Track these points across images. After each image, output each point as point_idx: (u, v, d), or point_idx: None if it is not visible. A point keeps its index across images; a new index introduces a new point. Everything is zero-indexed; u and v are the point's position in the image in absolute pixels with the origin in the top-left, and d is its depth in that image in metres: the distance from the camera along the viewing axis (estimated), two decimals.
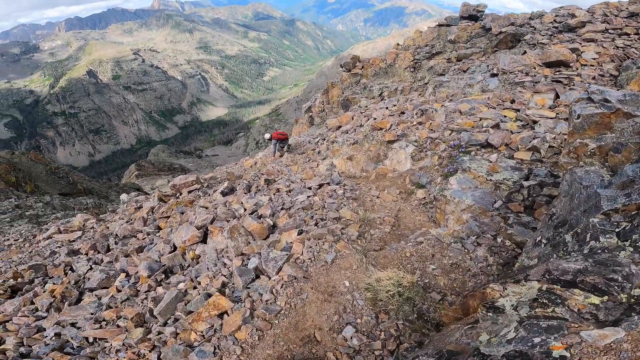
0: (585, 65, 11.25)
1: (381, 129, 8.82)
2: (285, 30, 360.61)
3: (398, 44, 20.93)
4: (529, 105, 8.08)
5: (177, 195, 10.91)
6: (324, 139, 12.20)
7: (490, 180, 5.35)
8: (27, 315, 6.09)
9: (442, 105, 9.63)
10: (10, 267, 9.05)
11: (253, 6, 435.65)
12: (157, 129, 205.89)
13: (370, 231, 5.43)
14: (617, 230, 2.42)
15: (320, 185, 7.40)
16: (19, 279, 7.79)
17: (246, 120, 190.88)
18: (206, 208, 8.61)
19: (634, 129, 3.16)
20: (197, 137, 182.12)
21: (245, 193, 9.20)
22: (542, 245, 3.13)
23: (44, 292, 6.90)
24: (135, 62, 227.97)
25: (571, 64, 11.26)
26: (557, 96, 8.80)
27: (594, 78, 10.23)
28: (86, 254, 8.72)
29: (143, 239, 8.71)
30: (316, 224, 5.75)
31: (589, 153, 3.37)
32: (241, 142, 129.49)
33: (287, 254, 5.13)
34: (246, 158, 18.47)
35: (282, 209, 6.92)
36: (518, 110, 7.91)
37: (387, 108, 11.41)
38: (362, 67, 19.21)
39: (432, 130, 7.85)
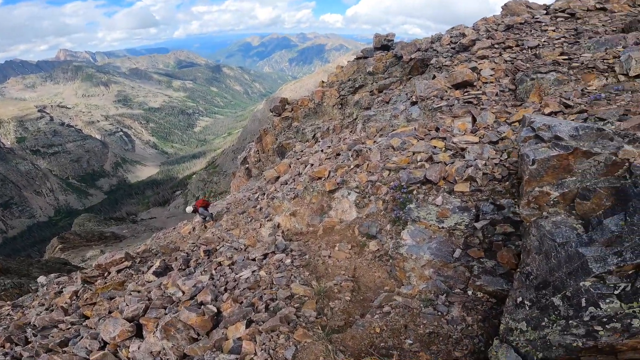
0: (486, 82, 12.04)
1: (320, 178, 8.50)
2: (211, 77, 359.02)
3: (323, 82, 21.36)
4: (453, 132, 8.41)
5: (105, 275, 9.59)
6: (264, 194, 11.57)
7: (443, 227, 5.14)
8: None
9: (374, 142, 9.69)
10: None
11: (175, 54, 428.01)
12: (78, 196, 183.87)
13: (330, 304, 4.81)
14: (616, 292, 2.23)
15: (265, 255, 6.66)
16: None
17: (182, 177, 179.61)
18: (138, 292, 7.49)
19: (597, 170, 2.91)
20: (128, 201, 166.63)
21: (182, 269, 8.23)
22: (527, 308, 2.85)
23: None
24: (41, 120, 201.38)
25: (474, 83, 12.07)
26: (474, 119, 9.38)
27: (497, 94, 11.08)
28: (2, 347, 7.24)
29: (67, 329, 7.39)
30: (266, 307, 4.98)
31: (551, 202, 3.08)
32: (180, 200, 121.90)
33: (236, 358, 4.27)
34: (184, 222, 16.93)
35: (225, 289, 6.05)
36: (444, 138, 8.18)
37: (322, 151, 11.26)
38: (292, 110, 19.25)
39: (370, 172, 7.71)
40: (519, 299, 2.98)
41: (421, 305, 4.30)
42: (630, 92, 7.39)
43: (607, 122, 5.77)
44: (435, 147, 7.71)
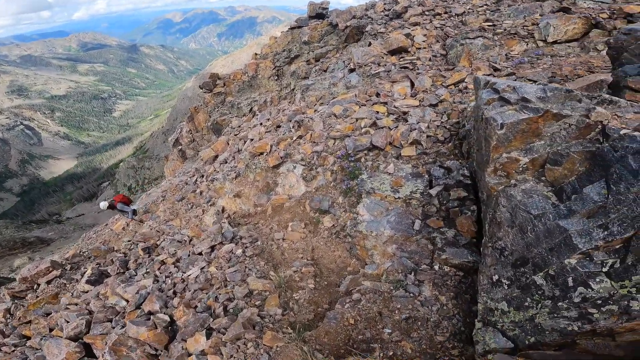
0: (420, 48, 12.34)
1: (262, 153, 7.94)
2: (127, 58, 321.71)
3: (256, 54, 20.34)
4: (393, 97, 8.37)
5: (35, 288, 8.78)
6: (203, 176, 10.66)
7: (399, 197, 4.99)
8: None
9: (315, 111, 9.35)
10: None
11: (77, 37, 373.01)
12: None
13: (294, 296, 4.45)
14: (604, 270, 2.00)
15: (213, 247, 6.05)
16: None
17: (107, 167, 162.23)
18: (76, 305, 6.70)
19: (568, 133, 2.65)
20: (47, 200, 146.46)
21: (121, 273, 7.45)
22: (505, 287, 2.64)
23: None
24: None
25: (409, 49, 12.29)
26: (412, 83, 9.45)
27: (430, 59, 11.36)
28: None
29: (12, 351, 6.65)
30: (225, 310, 4.48)
31: (520, 169, 2.80)
32: (109, 192, 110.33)
33: None
34: (116, 218, 15.22)
35: (174, 293, 5.44)
36: (386, 103, 8.11)
37: (261, 124, 10.64)
38: (225, 85, 17.95)
39: (314, 142, 7.37)
40: (495, 277, 2.79)
41: (391, 287, 4.09)
42: (549, 56, 7.94)
43: (539, 84, 6.08)
44: (377, 112, 7.60)
